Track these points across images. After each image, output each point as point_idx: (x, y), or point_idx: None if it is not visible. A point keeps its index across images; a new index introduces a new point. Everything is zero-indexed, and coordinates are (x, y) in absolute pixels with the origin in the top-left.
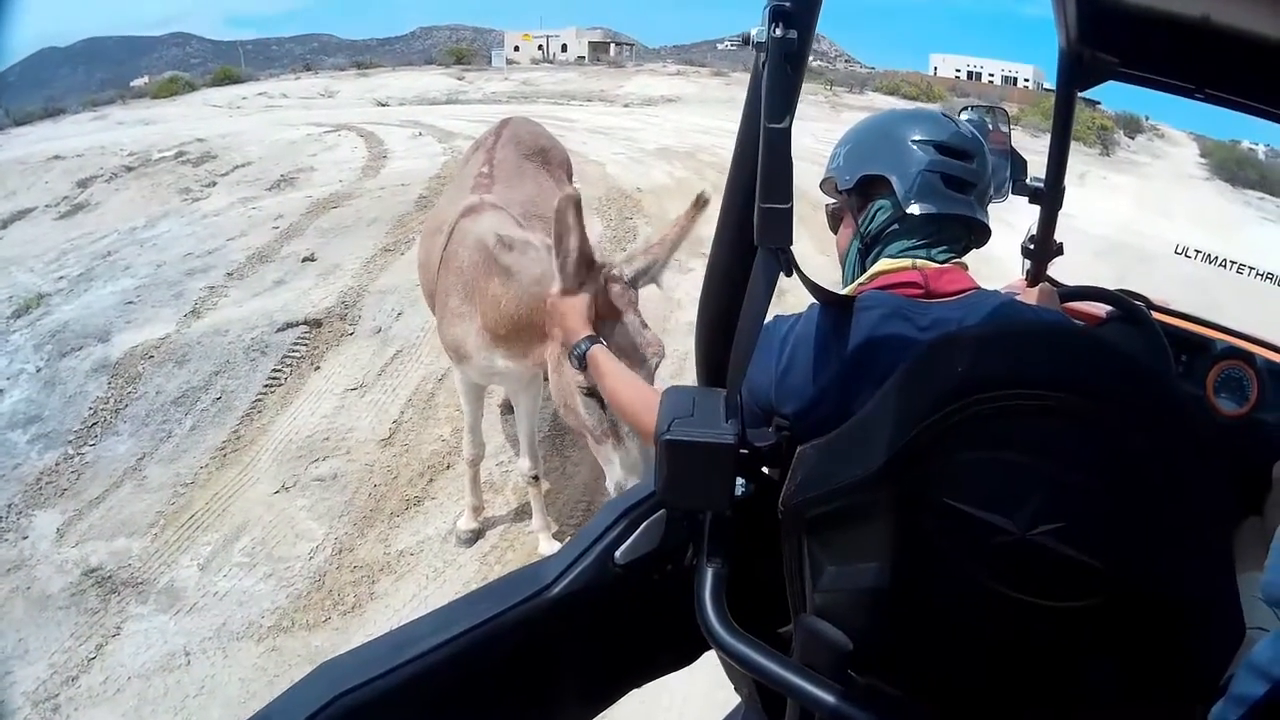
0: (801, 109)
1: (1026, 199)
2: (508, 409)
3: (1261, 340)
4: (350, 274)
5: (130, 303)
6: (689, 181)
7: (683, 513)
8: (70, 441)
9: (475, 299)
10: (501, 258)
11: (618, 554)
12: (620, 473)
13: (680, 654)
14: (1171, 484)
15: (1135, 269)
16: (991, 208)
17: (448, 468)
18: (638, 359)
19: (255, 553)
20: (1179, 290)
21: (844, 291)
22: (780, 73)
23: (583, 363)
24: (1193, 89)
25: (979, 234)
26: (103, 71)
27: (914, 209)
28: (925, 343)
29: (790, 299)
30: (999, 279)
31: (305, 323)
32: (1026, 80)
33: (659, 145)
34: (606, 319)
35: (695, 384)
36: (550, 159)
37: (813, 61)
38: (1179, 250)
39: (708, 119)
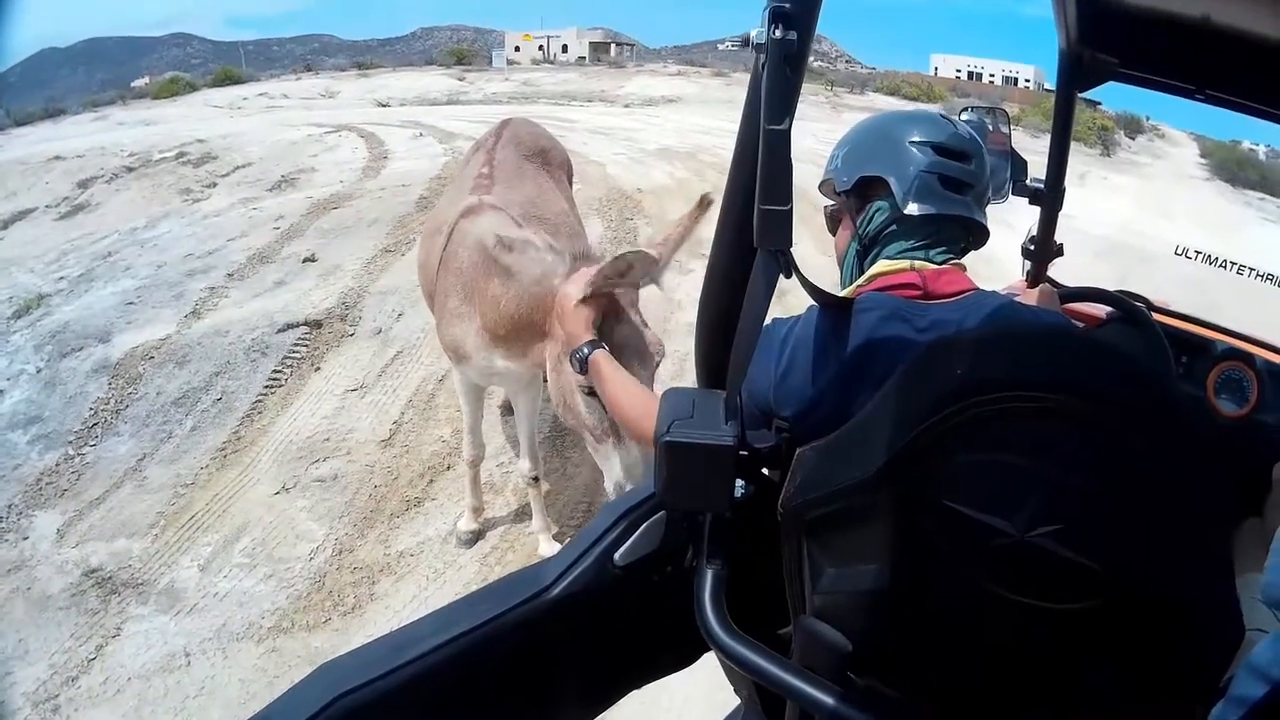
0: (802, 109)
1: (1027, 200)
2: (507, 410)
3: (1262, 341)
4: (351, 275)
5: (131, 303)
6: (690, 182)
7: (682, 514)
8: (70, 442)
9: (474, 299)
10: (501, 258)
11: (617, 555)
12: (619, 473)
13: (680, 655)
14: (1171, 486)
15: (1136, 270)
16: (992, 208)
17: (448, 469)
18: (638, 359)
19: (255, 554)
20: (1179, 291)
21: (843, 293)
22: (780, 74)
23: (584, 367)
24: (1193, 90)
25: (977, 235)
26: (103, 72)
27: (912, 210)
28: (924, 344)
29: (790, 300)
30: (999, 280)
31: (306, 323)
32: (1027, 81)
33: (660, 146)
34: (607, 318)
35: (695, 385)
36: (550, 160)
37: (813, 62)
38: (1179, 251)
39: (708, 119)
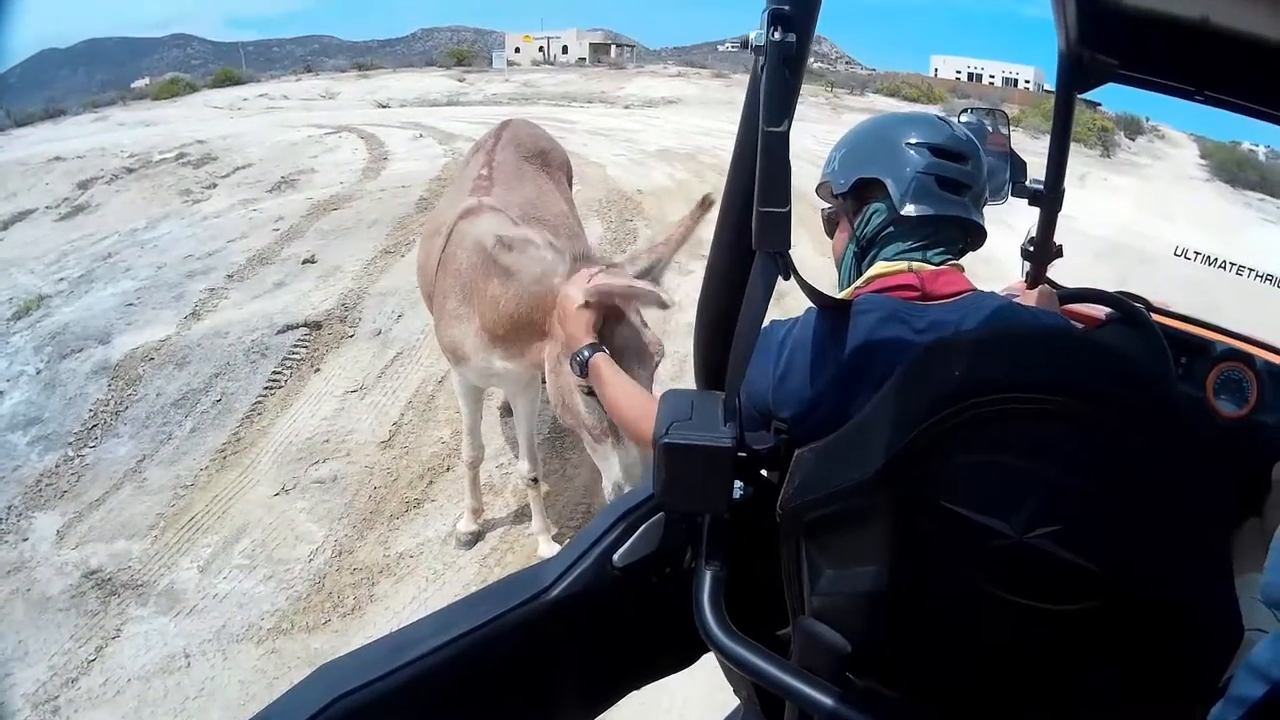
0: (801, 110)
1: (1026, 201)
2: (507, 411)
3: (1261, 342)
4: (350, 276)
5: (130, 304)
6: (689, 183)
7: (681, 515)
8: (70, 443)
9: (473, 300)
10: (501, 258)
11: (616, 556)
12: (618, 474)
13: (679, 656)
14: (1171, 486)
15: (1135, 271)
16: (991, 209)
17: (447, 470)
18: (638, 360)
19: (255, 555)
20: (1179, 292)
21: (841, 295)
22: (778, 76)
23: (584, 370)
24: (1192, 90)
25: (975, 236)
26: (103, 73)
27: (909, 211)
28: (922, 346)
29: (789, 302)
30: (998, 280)
31: (305, 325)
32: (1027, 82)
33: (660, 147)
34: (608, 320)
35: (694, 387)
36: (550, 161)
37: (813, 63)
38: (1179, 252)
39: (708, 120)
